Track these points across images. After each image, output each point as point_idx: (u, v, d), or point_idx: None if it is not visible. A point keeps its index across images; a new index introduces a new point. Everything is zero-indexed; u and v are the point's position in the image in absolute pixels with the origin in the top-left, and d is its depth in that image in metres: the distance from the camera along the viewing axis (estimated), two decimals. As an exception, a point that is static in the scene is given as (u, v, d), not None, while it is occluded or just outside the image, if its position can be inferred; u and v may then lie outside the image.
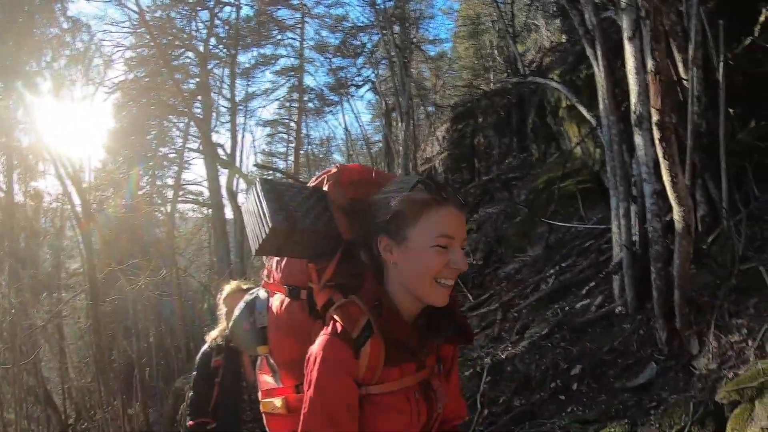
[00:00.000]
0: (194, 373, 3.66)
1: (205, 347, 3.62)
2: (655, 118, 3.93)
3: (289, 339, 1.55)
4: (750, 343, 3.27)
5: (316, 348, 1.35)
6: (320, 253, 1.46)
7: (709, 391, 3.21)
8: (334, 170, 1.57)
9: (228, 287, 3.55)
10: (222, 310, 3.50)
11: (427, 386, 1.44)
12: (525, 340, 5.94)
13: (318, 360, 1.32)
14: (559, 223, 7.86)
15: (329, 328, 1.36)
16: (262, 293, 1.71)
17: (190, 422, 3.54)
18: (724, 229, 4.29)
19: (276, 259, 1.63)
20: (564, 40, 11.38)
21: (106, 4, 14.23)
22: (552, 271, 7.09)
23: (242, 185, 18.55)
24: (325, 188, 1.54)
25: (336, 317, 1.35)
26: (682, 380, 3.66)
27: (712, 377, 3.29)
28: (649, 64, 3.99)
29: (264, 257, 1.71)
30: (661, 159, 3.94)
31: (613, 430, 3.53)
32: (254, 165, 22.40)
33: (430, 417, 1.43)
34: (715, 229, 4.49)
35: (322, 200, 1.51)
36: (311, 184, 1.60)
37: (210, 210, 18.70)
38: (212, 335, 3.62)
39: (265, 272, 1.70)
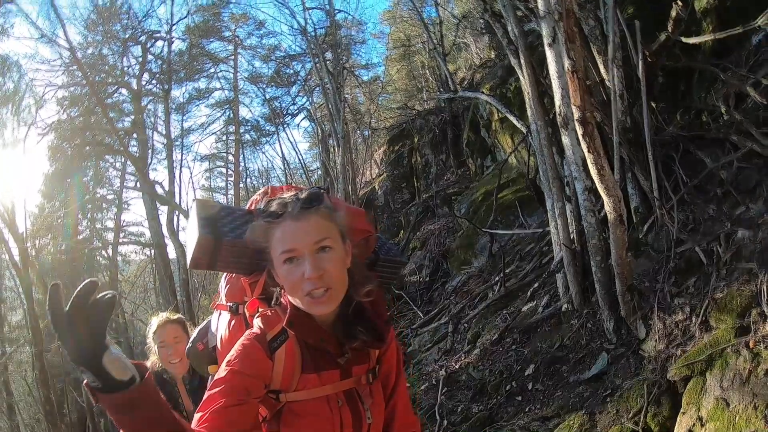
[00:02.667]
0: None
1: None
2: (576, 114, 4.04)
3: None
4: (694, 320, 3.34)
5: (235, 345, 1.41)
6: (254, 268, 1.54)
7: (661, 370, 3.23)
8: (262, 189, 1.69)
9: (156, 320, 3.42)
10: (151, 344, 3.34)
11: (353, 396, 1.45)
12: (477, 348, 5.90)
13: (232, 351, 1.39)
14: (500, 231, 7.95)
15: (248, 332, 1.43)
16: (215, 316, 1.79)
17: None
18: (658, 217, 4.41)
19: (222, 279, 1.72)
20: (493, 56, 11.73)
21: (36, 42, 13.66)
22: (497, 278, 7.13)
23: (183, 223, 18.00)
24: (252, 207, 1.64)
25: (257, 323, 1.44)
26: (633, 365, 3.69)
27: (662, 357, 3.32)
28: (566, 63, 4.12)
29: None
30: (586, 153, 4.06)
31: (572, 422, 3.50)
32: (194, 200, 21.70)
33: (357, 427, 1.44)
34: (650, 218, 4.62)
35: (252, 219, 1.58)
36: (247, 207, 1.71)
37: (152, 250, 17.96)
38: None
39: (216, 296, 1.79)
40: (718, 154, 4.39)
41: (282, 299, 1.46)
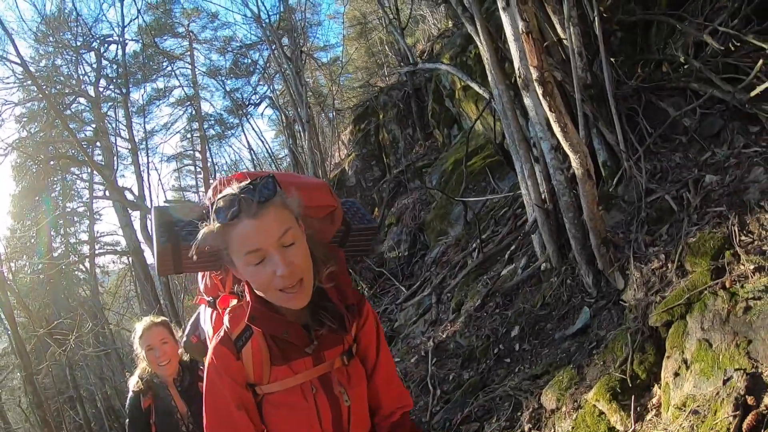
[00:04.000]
0: (127, 420, 3.42)
1: (130, 393, 3.40)
2: (535, 75, 4.05)
3: None
4: (670, 266, 3.41)
5: (207, 355, 1.46)
6: (221, 265, 1.50)
7: (642, 318, 3.30)
8: (214, 183, 1.59)
9: (140, 325, 3.43)
10: (139, 350, 3.35)
11: (328, 381, 1.46)
12: (462, 315, 5.96)
13: (207, 365, 1.44)
14: (473, 199, 8.00)
15: (216, 334, 1.46)
16: (202, 308, 1.81)
17: None
18: (626, 169, 4.48)
19: (200, 274, 1.70)
20: (451, 26, 11.66)
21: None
22: (475, 245, 7.19)
23: (156, 226, 17.73)
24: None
25: (225, 321, 1.46)
26: (615, 316, 3.77)
27: (642, 305, 3.40)
28: (520, 25, 4.11)
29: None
30: (548, 112, 4.08)
31: (561, 377, 3.57)
32: (165, 202, 21.42)
33: (336, 410, 1.46)
34: (618, 171, 4.68)
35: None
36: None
37: (130, 258, 17.65)
38: (134, 380, 3.42)
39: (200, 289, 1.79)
40: (680, 102, 4.46)
41: (245, 293, 1.45)
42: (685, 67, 4.72)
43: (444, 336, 5.82)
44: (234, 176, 1.48)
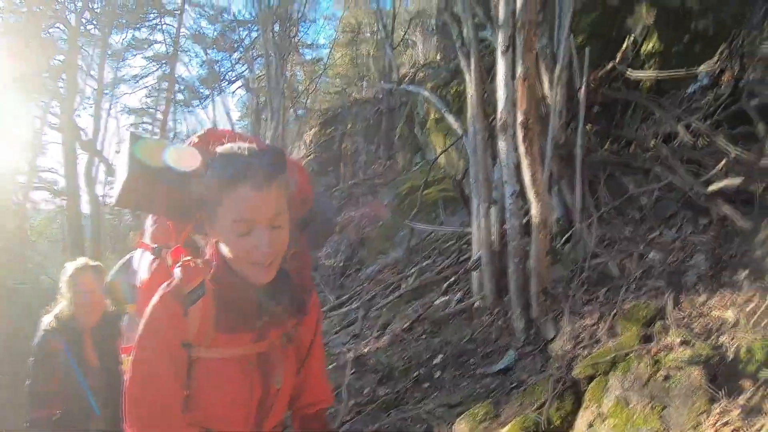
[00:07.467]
0: (31, 359, 3.19)
1: (40, 331, 3.19)
2: (520, 118, 4.24)
3: (151, 297, 1.45)
4: (601, 326, 3.59)
5: (151, 302, 1.36)
6: (183, 213, 1.43)
7: (566, 369, 3.44)
8: (202, 132, 1.55)
9: (72, 265, 3.23)
10: (64, 290, 3.19)
11: (264, 358, 1.44)
12: (387, 335, 5.98)
13: (147, 313, 1.35)
14: (422, 225, 8.09)
15: (166, 284, 1.37)
16: (137, 253, 1.73)
17: (33, 414, 3.09)
18: (577, 230, 4.68)
19: (149, 218, 1.66)
20: (438, 59, 11.93)
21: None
22: (413, 270, 7.27)
23: (101, 175, 17.01)
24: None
25: (176, 274, 1.38)
26: (539, 363, 3.90)
27: (568, 357, 3.54)
28: (519, 69, 4.30)
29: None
30: (522, 157, 4.26)
31: (477, 410, 3.64)
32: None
33: (265, 390, 1.44)
34: (569, 231, 4.89)
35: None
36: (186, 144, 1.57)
37: (65, 200, 16.68)
38: (48, 318, 3.21)
39: (140, 233, 1.72)
40: (641, 181, 4.73)
41: (208, 249, 1.41)
42: (652, 152, 5.03)
43: (365, 350, 5.81)
44: (241, 134, 1.45)
